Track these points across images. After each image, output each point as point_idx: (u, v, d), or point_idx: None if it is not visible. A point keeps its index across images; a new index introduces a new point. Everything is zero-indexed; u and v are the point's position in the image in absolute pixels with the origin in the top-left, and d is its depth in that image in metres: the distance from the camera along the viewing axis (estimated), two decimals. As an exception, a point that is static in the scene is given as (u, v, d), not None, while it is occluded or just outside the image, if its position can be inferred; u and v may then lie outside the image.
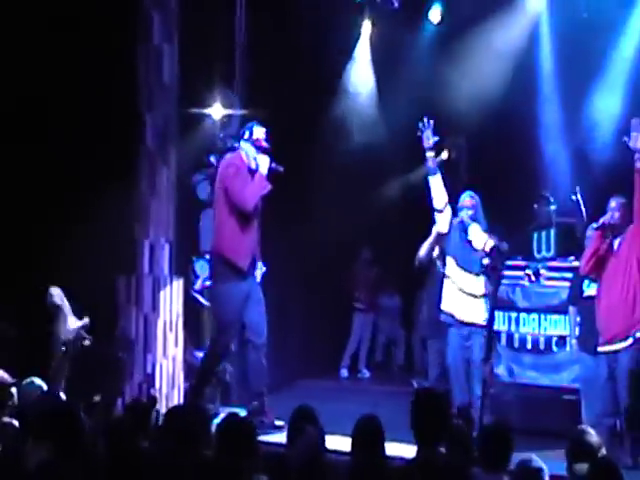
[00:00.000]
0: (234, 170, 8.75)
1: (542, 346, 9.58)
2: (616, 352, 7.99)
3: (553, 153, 11.63)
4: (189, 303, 9.84)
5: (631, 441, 8.00)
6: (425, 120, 8.72)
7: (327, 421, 6.18)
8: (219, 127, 10.33)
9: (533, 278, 9.75)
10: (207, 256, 9.88)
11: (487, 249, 8.71)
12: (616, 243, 8.14)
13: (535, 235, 10.17)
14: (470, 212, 8.80)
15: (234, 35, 10.26)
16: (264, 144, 8.83)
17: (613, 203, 8.16)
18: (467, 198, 8.89)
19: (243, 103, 10.27)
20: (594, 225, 8.21)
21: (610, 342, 8.04)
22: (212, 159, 10.12)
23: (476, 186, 11.33)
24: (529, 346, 9.63)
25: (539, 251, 10.10)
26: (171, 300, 9.49)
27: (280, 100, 10.32)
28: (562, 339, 9.51)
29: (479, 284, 8.76)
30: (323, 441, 5.72)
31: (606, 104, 11.25)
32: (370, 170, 11.38)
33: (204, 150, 10.25)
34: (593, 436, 5.75)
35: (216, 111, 10.30)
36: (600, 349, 8.13)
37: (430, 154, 8.77)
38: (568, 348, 9.43)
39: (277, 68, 10.47)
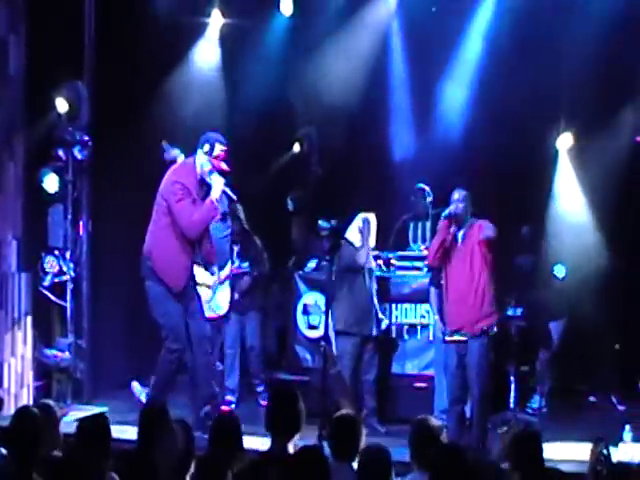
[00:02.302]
0: (181, 191, 8.25)
1: (394, 335, 9.73)
2: (464, 341, 8.18)
3: (403, 142, 11.81)
4: (38, 300, 9.65)
5: (479, 427, 8.21)
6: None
7: (182, 416, 6.17)
8: (68, 119, 10.10)
9: (384, 268, 9.89)
10: (56, 252, 9.73)
11: None
12: (460, 235, 8.31)
13: (411, 225, 10.32)
14: None
15: (83, 25, 10.06)
16: (223, 166, 8.40)
17: (456, 195, 8.31)
18: None
19: (92, 95, 10.08)
20: (443, 214, 8.35)
21: (457, 333, 8.21)
22: (60, 153, 9.91)
23: (327, 176, 11.52)
24: (381, 335, 9.76)
25: (415, 241, 10.25)
26: (19, 297, 9.32)
27: (129, 91, 10.21)
28: (413, 327, 9.70)
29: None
30: (192, 439, 5.70)
31: (453, 96, 11.49)
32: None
33: (52, 143, 10.01)
34: (434, 422, 5.88)
35: (64, 103, 10.05)
36: (448, 338, 8.31)
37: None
38: (419, 336, 9.64)
39: (127, 59, 10.33)
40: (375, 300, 9.30)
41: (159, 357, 8.47)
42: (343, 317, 9.16)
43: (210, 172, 8.36)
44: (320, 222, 9.63)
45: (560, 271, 10.27)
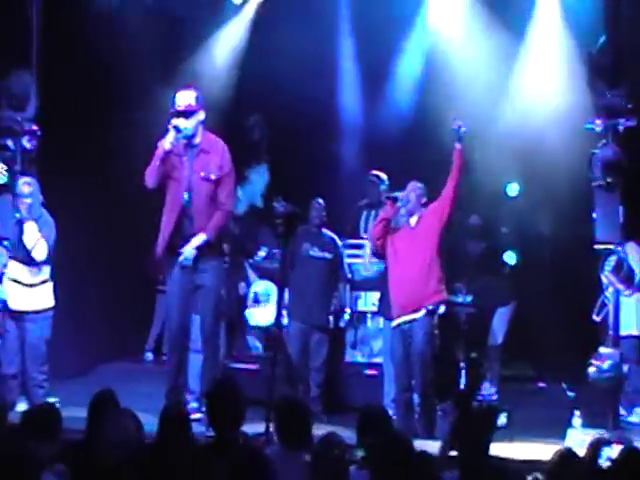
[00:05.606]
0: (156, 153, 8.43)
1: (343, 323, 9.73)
2: (410, 324, 8.23)
3: (351, 132, 11.85)
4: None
5: (426, 415, 8.25)
6: None
7: (133, 404, 6.17)
8: (16, 109, 9.96)
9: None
10: (6, 242, 9.62)
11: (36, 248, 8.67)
12: (413, 221, 8.41)
13: (364, 213, 10.31)
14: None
15: (30, 12, 9.94)
16: (174, 109, 8.35)
17: (410, 187, 8.52)
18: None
19: (40, 84, 9.96)
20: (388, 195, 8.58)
21: (403, 314, 8.26)
22: (9, 143, 9.78)
23: (277, 164, 11.48)
24: (331, 323, 9.74)
25: (366, 230, 10.24)
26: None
27: (78, 79, 10.13)
28: (363, 315, 9.72)
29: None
30: (140, 427, 5.69)
31: (402, 87, 11.57)
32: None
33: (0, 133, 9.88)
34: (381, 410, 5.91)
35: (12, 92, 9.91)
36: (394, 323, 8.36)
37: None
38: (369, 324, 9.66)
39: (75, 47, 10.25)
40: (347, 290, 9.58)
41: None
42: (292, 305, 9.26)
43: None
44: (275, 203, 9.60)
45: (511, 259, 10.38)
